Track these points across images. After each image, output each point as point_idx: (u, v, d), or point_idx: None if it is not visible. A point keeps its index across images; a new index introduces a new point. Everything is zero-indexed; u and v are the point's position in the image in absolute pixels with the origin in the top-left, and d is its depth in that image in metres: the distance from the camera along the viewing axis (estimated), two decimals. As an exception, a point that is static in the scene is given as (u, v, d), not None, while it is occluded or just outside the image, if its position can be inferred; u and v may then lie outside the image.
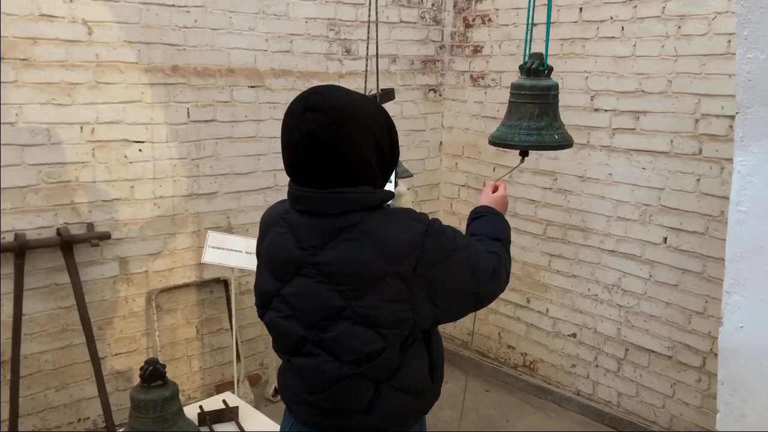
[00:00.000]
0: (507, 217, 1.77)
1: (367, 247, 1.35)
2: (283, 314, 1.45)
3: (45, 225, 2.90)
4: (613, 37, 3.27)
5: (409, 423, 1.53)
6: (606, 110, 3.34)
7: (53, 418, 3.06)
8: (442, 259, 1.39)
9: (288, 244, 1.42)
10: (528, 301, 3.86)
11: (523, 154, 2.07)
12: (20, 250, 2.79)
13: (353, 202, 1.37)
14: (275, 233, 1.46)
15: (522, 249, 3.80)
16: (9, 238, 2.80)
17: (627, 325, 3.37)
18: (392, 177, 1.71)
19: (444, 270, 1.40)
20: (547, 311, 3.76)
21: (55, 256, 2.92)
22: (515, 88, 2.04)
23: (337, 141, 1.34)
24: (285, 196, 1.49)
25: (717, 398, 1.49)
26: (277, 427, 2.13)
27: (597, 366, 3.55)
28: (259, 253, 1.54)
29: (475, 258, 1.48)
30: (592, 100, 3.39)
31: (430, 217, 1.45)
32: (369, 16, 2.41)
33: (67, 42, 2.84)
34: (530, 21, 2.09)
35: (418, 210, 1.47)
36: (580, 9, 3.39)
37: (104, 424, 3.05)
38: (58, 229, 2.91)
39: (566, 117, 3.43)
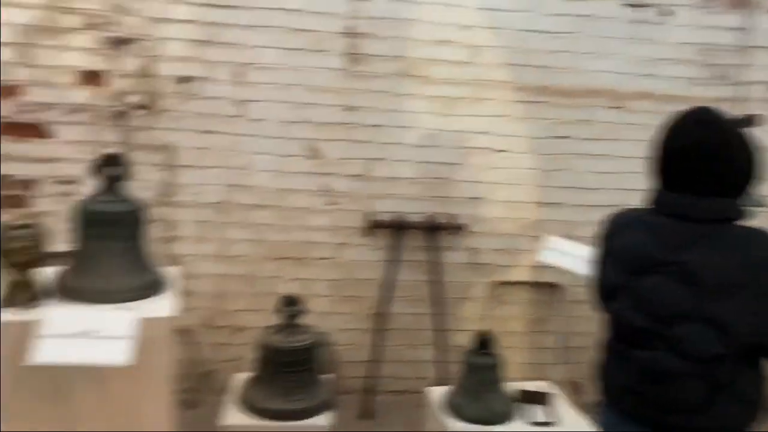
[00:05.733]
0: None
1: (731, 257, 1.45)
2: (630, 306, 1.59)
3: (419, 211, 3.53)
4: None
5: None
6: None
7: (400, 371, 3.67)
8: None
9: (647, 243, 1.57)
10: None
11: None
12: (399, 227, 3.49)
13: (723, 211, 1.50)
14: (632, 231, 1.63)
15: None
16: (392, 218, 3.50)
17: None
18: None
19: None
20: None
21: (423, 237, 3.54)
22: None
23: (721, 153, 1.49)
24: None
25: None
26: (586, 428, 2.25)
27: None
28: (608, 251, 1.72)
29: None
30: None
31: None
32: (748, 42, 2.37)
33: (454, 63, 3.42)
34: None
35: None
36: None
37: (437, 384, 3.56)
38: (428, 216, 3.53)
39: None
